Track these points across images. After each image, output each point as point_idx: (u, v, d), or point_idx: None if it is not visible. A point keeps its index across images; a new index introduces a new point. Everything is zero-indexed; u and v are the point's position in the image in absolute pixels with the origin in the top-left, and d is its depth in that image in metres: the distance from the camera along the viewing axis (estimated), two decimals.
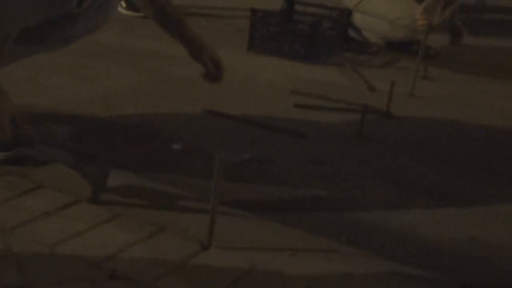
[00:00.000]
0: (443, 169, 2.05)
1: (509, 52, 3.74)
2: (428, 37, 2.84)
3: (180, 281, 1.32)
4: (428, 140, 2.29)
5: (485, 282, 1.50)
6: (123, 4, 3.40)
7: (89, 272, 1.31)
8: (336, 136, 2.22)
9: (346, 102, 2.51)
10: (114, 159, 1.85)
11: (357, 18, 3.37)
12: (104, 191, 1.60)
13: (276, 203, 1.74)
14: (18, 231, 1.42)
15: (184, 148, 1.95)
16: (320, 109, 2.41)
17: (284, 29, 3.13)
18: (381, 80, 2.79)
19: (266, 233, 1.55)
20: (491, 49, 3.74)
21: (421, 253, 1.57)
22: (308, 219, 1.67)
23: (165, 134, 2.09)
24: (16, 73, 2.21)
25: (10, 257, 1.33)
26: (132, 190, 1.67)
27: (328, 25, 3.28)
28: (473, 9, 4.12)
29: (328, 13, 3.32)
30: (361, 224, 1.68)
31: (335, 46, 3.28)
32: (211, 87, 2.03)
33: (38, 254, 1.36)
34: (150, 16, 1.94)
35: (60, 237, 1.41)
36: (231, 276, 1.36)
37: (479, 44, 3.78)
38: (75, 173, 1.62)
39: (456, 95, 2.79)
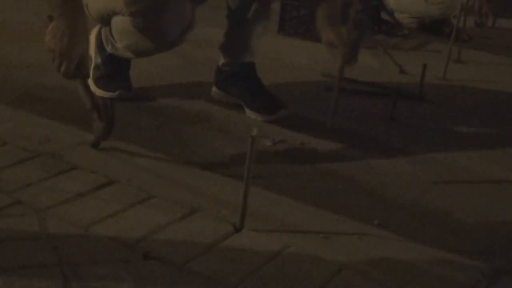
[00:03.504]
0: (478, 153, 2.03)
1: None
2: (461, 19, 2.80)
3: (212, 263, 1.33)
4: (462, 124, 2.27)
5: None
6: None
7: (123, 252, 1.33)
8: (367, 119, 2.21)
9: (378, 85, 2.49)
10: (145, 141, 1.86)
11: None
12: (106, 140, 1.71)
13: (308, 185, 1.74)
14: (52, 212, 1.44)
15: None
16: (351, 93, 2.40)
17: (314, 12, 3.11)
18: (413, 63, 2.77)
19: (299, 216, 1.54)
20: None
21: (454, 238, 1.56)
22: (340, 202, 1.67)
23: (195, 116, 2.09)
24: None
25: (45, 237, 1.35)
26: (165, 171, 1.68)
27: (359, 7, 3.25)
28: None
29: None
30: (394, 207, 1.68)
31: (367, 29, 3.26)
32: None
33: (73, 234, 1.37)
34: None
35: (94, 218, 1.43)
36: (263, 258, 1.36)
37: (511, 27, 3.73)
38: (108, 154, 1.64)
39: (490, 79, 2.76)
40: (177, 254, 1.34)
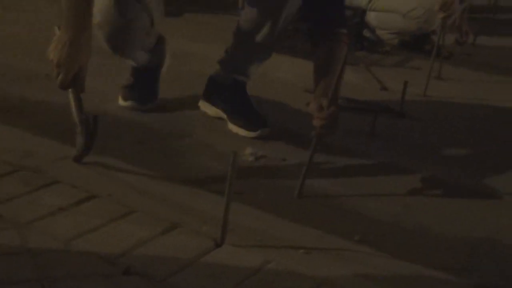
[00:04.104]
0: (456, 170, 2.05)
1: None
2: (442, 36, 2.83)
3: (193, 278, 1.33)
4: (442, 141, 2.28)
5: (500, 284, 1.49)
6: None
7: (104, 267, 1.32)
8: (349, 135, 2.22)
9: (359, 102, 2.50)
10: (127, 155, 1.86)
11: (371, 16, 3.37)
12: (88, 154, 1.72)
13: (289, 201, 1.74)
14: (33, 226, 1.43)
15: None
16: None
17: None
18: (394, 79, 2.78)
19: (279, 231, 1.55)
20: (505, 49, 3.72)
21: (435, 254, 1.57)
22: (321, 217, 1.67)
23: (178, 131, 2.09)
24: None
25: (26, 252, 1.34)
26: (146, 186, 1.68)
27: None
28: (486, 9, 4.10)
29: None
30: (375, 223, 1.68)
31: (349, 45, 3.27)
32: None
33: (54, 249, 1.36)
34: None
35: (75, 232, 1.42)
36: (243, 273, 1.36)
37: (492, 44, 3.77)
38: (89, 168, 1.63)
39: (470, 96, 2.78)
40: (157, 270, 1.33)
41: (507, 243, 1.65)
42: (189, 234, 1.48)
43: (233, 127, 2.12)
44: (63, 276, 1.27)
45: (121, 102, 2.23)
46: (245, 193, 1.71)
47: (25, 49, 2.57)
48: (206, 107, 2.22)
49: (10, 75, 2.35)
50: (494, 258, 1.58)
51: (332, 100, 1.80)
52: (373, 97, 2.61)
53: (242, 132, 2.10)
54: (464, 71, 3.15)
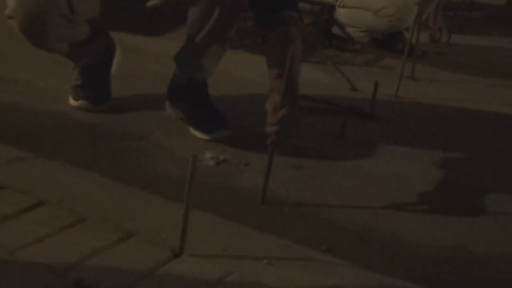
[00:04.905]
0: (428, 174, 2.08)
1: (498, 51, 3.80)
2: (413, 34, 2.87)
3: None
4: (414, 144, 2.31)
5: None
6: None
7: (52, 280, 1.31)
8: (316, 137, 2.24)
9: (327, 103, 2.52)
10: (79, 159, 1.85)
11: (340, 12, 3.40)
12: None
13: (252, 209, 1.75)
14: None
15: None
16: (299, 110, 2.42)
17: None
18: (364, 79, 2.82)
19: (242, 241, 1.56)
20: (480, 48, 3.79)
21: (405, 263, 1.59)
22: (286, 226, 1.68)
23: (134, 133, 2.09)
24: None
25: None
26: (99, 192, 1.67)
27: (308, 20, 3.30)
28: (461, 7, 4.17)
29: (309, 8, 3.34)
30: (343, 232, 1.70)
31: (316, 43, 3.30)
32: None
33: None
34: None
35: (22, 242, 1.41)
36: (203, 285, 1.36)
37: (467, 43, 3.84)
38: (38, 172, 1.62)
39: (443, 97, 2.83)
40: (111, 282, 1.33)
41: (480, 252, 1.67)
42: (145, 244, 1.47)
43: (191, 129, 2.13)
44: None
45: (72, 102, 2.22)
46: (206, 200, 1.71)
47: None
48: (169, 108, 2.22)
49: None
50: (467, 267, 1.60)
51: (288, 97, 1.75)
52: (342, 97, 2.64)
53: (200, 134, 2.10)
54: (438, 71, 3.20)
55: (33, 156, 1.82)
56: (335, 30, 3.42)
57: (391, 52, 3.38)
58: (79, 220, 1.53)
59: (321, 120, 2.39)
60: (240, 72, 2.79)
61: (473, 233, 1.76)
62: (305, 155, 2.10)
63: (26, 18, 1.92)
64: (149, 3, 1.93)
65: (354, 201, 1.86)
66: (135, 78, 2.55)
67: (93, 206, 1.60)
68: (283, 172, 1.95)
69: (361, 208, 1.82)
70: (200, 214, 1.60)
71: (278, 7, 1.98)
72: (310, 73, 2.90)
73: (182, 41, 2.19)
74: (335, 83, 2.84)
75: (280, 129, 1.75)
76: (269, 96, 1.83)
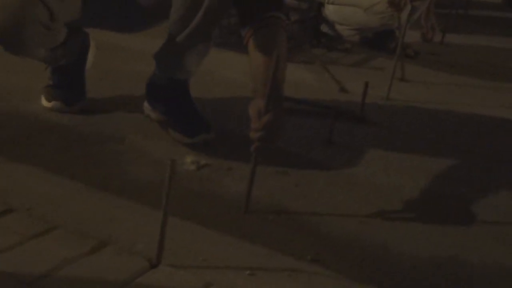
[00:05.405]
0: (419, 181, 2.08)
1: (494, 51, 3.81)
2: (404, 33, 2.88)
3: None
4: (405, 149, 2.32)
5: None
6: None
7: None
8: (303, 142, 2.24)
9: (315, 105, 2.52)
10: (50, 163, 1.84)
11: (329, 9, 3.41)
12: None
13: (235, 216, 1.74)
14: None
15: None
16: (285, 112, 2.42)
17: None
18: (354, 80, 2.82)
19: (223, 250, 1.55)
20: (475, 48, 3.81)
21: (394, 274, 1.59)
22: (270, 234, 1.68)
23: (110, 135, 2.08)
24: None
25: None
26: (72, 198, 1.66)
27: (295, 18, 3.31)
28: (456, 5, 4.18)
29: (296, 5, 3.34)
30: (329, 241, 1.70)
31: (304, 42, 3.31)
32: None
33: None
34: None
35: None
36: None
37: (462, 43, 3.85)
38: (6, 178, 1.60)
39: (436, 99, 2.83)
40: None
41: (473, 262, 1.68)
42: (120, 253, 1.47)
43: (171, 132, 2.12)
44: None
45: (44, 103, 2.21)
46: (185, 207, 1.70)
47: None
48: (148, 110, 2.21)
49: None
50: (459, 278, 1.60)
51: (273, 101, 1.74)
52: (330, 99, 2.64)
53: (180, 137, 2.09)
54: (430, 72, 3.21)
55: (1, 160, 1.81)
56: (324, 28, 3.42)
57: (382, 52, 3.39)
58: (50, 228, 1.52)
59: (308, 124, 2.39)
60: (223, 71, 2.79)
61: (465, 243, 1.77)
62: (290, 160, 2.10)
63: (2, 30, 1.90)
64: None
65: (341, 209, 1.86)
66: (112, 77, 2.54)
67: (65, 213, 1.59)
68: (267, 178, 1.95)
69: (349, 217, 1.82)
70: (179, 221, 1.60)
71: (263, 8, 1.98)
72: (297, 73, 2.91)
73: (163, 39, 2.18)
74: (323, 84, 2.84)
75: (264, 135, 1.74)
76: (252, 100, 1.82)
